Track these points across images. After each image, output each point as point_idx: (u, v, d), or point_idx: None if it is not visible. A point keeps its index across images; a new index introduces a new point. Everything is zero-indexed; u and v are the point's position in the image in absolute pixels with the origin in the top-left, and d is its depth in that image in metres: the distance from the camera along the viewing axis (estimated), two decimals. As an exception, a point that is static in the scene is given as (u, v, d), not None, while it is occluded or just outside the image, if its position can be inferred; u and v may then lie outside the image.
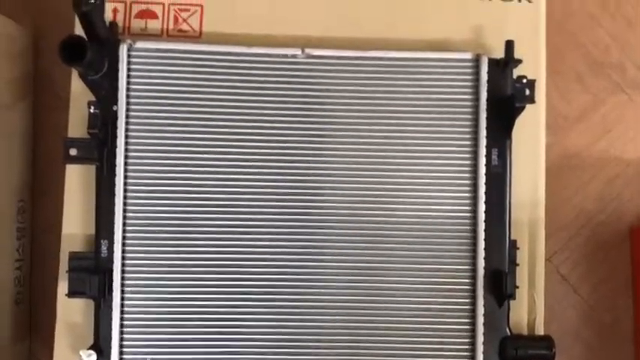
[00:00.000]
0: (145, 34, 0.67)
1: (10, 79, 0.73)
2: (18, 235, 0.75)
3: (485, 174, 0.63)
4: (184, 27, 0.67)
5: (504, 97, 0.63)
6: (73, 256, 0.62)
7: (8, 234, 0.73)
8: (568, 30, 0.81)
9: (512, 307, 0.64)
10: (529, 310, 0.66)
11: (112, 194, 0.61)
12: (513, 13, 0.68)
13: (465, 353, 0.63)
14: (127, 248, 0.62)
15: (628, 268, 0.78)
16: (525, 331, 0.65)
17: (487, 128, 0.63)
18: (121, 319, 0.61)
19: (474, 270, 0.63)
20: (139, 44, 0.63)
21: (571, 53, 0.81)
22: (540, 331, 0.65)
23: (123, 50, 0.62)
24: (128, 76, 0.62)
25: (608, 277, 0.79)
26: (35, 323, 0.78)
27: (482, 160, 0.63)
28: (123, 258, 0.62)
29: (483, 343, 0.62)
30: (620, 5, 0.81)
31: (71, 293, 0.61)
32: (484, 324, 0.62)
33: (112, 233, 0.61)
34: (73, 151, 0.62)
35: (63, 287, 0.63)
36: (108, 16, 0.66)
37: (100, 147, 0.62)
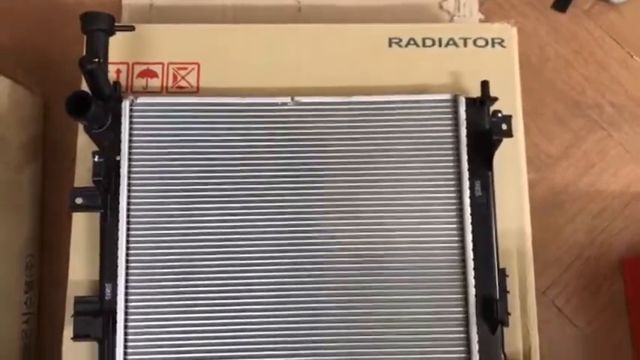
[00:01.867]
0: (146, 92, 0.72)
1: (21, 142, 0.78)
2: (26, 289, 0.77)
3: (470, 205, 0.66)
4: (183, 84, 0.72)
5: (483, 132, 0.67)
6: (79, 300, 0.65)
7: (17, 287, 0.76)
8: (545, 75, 0.86)
9: (507, 337, 0.65)
10: (524, 339, 0.67)
11: (116, 239, 0.65)
12: (488, 58, 0.73)
13: (463, 381, 0.64)
14: (130, 290, 0.64)
15: (622, 298, 0.80)
16: None
17: (469, 162, 0.66)
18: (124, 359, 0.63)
19: (466, 298, 0.65)
20: (140, 99, 0.68)
21: (550, 96, 0.86)
22: (536, 359, 0.66)
23: (125, 106, 0.67)
24: (130, 129, 0.67)
25: (604, 307, 0.80)
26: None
27: (467, 192, 0.66)
28: (126, 300, 0.64)
29: (480, 371, 0.63)
30: (592, 50, 0.86)
31: (76, 336, 0.63)
32: (479, 351, 0.63)
33: (116, 276, 0.64)
34: (78, 200, 0.66)
35: (68, 332, 0.65)
36: (112, 76, 0.71)
37: (104, 195, 0.65)
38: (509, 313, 0.65)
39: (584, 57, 0.86)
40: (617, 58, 0.86)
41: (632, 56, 0.86)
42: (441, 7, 0.86)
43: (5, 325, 0.73)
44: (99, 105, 0.64)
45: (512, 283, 0.67)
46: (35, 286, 0.80)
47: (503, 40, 0.73)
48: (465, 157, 0.67)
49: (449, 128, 0.68)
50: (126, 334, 0.64)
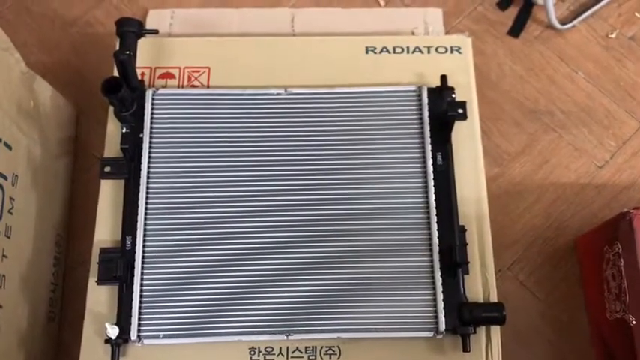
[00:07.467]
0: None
1: (58, 138, 0.92)
2: (54, 262, 0.89)
3: (433, 172, 0.79)
4: (195, 83, 0.87)
5: (442, 113, 0.81)
6: (103, 251, 0.77)
7: (46, 260, 0.87)
8: (503, 88, 1.01)
9: (470, 285, 0.76)
10: (484, 286, 0.78)
11: (137, 199, 0.77)
12: (448, 62, 0.88)
13: (431, 319, 0.74)
14: (147, 243, 0.76)
15: (576, 273, 0.90)
16: (481, 302, 0.77)
17: (431, 137, 0.80)
18: (140, 300, 0.74)
19: (431, 249, 0.76)
20: (161, 90, 0.83)
21: (508, 105, 1.00)
22: (494, 299, 0.77)
23: (148, 94, 0.82)
24: (152, 112, 0.81)
25: (561, 281, 0.90)
26: (62, 339, 0.89)
27: (430, 162, 0.79)
28: (143, 251, 0.76)
29: (444, 309, 0.74)
30: (542, 67, 1.02)
31: (100, 280, 0.75)
32: (443, 292, 0.74)
33: (135, 230, 0.76)
34: (107, 169, 0.80)
35: (93, 281, 0.76)
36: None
37: (129, 161, 0.79)
38: (468, 262, 0.76)
39: (536, 73, 1.02)
40: (563, 73, 1.01)
41: (575, 72, 1.01)
42: (412, 33, 1.02)
43: (36, 290, 0.84)
44: (127, 90, 0.78)
45: (472, 241, 0.79)
46: (62, 262, 0.91)
47: (460, 48, 0.88)
48: (428, 134, 0.80)
49: (415, 111, 0.82)
50: (142, 278, 0.75)
